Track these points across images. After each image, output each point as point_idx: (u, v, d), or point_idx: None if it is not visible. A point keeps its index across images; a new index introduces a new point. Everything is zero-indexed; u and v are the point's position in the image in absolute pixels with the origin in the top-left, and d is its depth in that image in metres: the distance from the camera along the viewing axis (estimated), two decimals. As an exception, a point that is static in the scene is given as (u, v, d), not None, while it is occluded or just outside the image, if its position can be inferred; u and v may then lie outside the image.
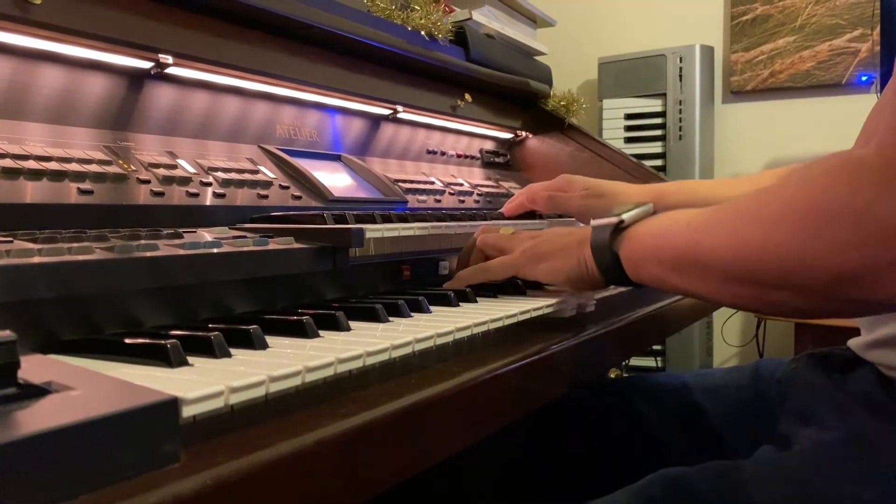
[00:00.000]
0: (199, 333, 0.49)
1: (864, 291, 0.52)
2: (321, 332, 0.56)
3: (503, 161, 1.59)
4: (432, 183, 1.28)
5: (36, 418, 0.29)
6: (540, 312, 0.74)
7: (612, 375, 2.25)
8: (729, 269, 0.60)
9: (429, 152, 1.38)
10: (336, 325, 0.59)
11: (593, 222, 0.74)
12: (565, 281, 0.78)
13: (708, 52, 2.59)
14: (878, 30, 2.31)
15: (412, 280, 0.87)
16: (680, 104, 2.54)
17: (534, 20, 1.83)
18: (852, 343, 0.74)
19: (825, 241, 0.52)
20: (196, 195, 0.81)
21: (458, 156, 1.47)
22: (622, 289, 0.91)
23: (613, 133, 2.62)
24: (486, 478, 1.00)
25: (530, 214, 1.13)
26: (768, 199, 0.59)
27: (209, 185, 0.84)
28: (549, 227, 1.05)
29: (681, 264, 0.65)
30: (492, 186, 1.44)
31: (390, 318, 0.64)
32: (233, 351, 0.48)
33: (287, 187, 0.94)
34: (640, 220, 0.72)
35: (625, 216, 0.72)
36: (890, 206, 0.49)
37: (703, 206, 1.05)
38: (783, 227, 0.55)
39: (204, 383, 0.39)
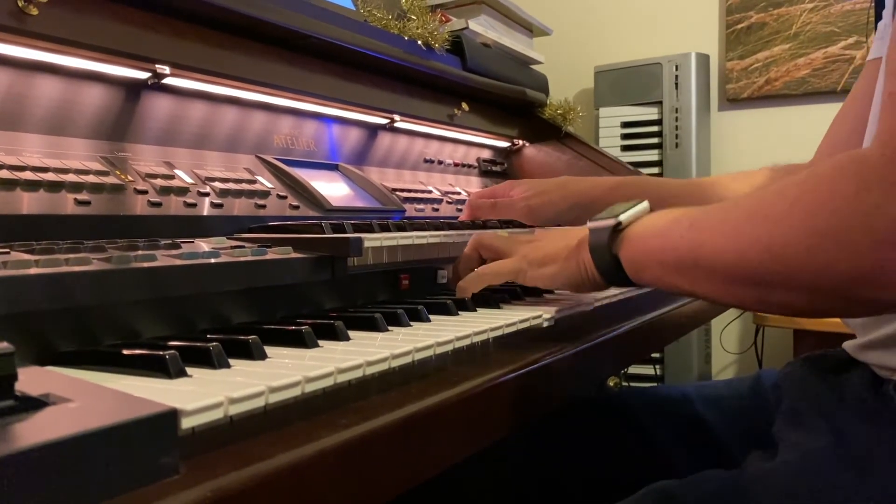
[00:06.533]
0: (198, 344, 0.49)
1: (878, 291, 0.51)
2: (320, 342, 0.56)
3: (501, 170, 1.59)
4: (430, 192, 1.28)
5: (33, 431, 0.29)
6: (539, 322, 0.74)
7: (611, 384, 2.25)
8: (733, 270, 0.59)
9: (426, 161, 1.38)
10: (335, 335, 0.58)
11: (589, 224, 0.72)
12: (566, 286, 0.77)
13: (703, 60, 2.60)
14: (872, 37, 2.32)
15: (411, 289, 0.87)
16: (676, 112, 2.54)
17: (530, 29, 1.84)
18: (847, 345, 0.74)
19: (835, 241, 0.51)
20: (194, 205, 0.81)
21: (456, 164, 1.47)
22: (622, 293, 0.90)
23: (610, 141, 2.62)
24: (485, 489, 1.00)
25: (508, 221, 1.12)
26: (773, 198, 0.57)
27: (207, 195, 0.83)
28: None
29: (683, 266, 0.64)
30: (489, 195, 1.44)
31: (389, 328, 0.64)
32: (232, 362, 0.48)
33: (285, 197, 0.94)
34: (638, 219, 0.71)
35: (622, 217, 0.70)
36: None
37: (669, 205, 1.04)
38: (789, 226, 0.54)
39: (203, 394, 0.39)
